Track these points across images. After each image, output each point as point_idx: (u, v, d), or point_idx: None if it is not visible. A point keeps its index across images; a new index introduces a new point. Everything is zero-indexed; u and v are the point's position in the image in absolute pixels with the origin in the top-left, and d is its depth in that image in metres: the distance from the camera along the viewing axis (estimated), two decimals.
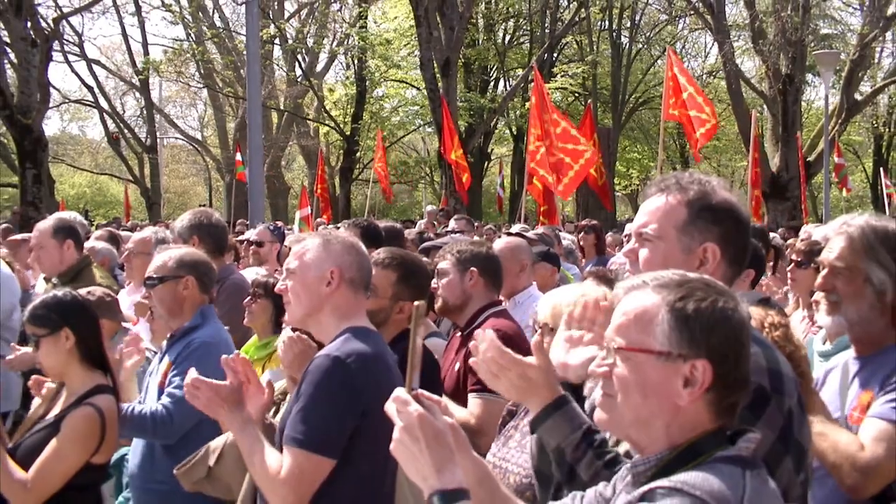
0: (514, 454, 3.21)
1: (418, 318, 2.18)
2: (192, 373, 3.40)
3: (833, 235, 3.23)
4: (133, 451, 4.41)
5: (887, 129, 40.89)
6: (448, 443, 2.08)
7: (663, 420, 2.02)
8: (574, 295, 3.08)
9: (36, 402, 4.35)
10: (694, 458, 1.98)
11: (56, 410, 4.04)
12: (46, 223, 6.80)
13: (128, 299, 6.24)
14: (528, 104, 19.75)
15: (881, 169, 25.57)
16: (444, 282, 4.74)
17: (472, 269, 4.74)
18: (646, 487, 1.93)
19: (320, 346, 3.45)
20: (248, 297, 5.22)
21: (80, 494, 3.96)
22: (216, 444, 3.75)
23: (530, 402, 2.55)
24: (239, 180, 25.02)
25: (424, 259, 5.48)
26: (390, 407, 2.13)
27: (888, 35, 29.33)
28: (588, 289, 3.25)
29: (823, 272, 3.17)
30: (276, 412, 3.85)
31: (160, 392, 4.39)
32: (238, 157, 26.25)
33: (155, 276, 4.52)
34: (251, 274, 6.48)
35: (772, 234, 10.46)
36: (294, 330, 3.71)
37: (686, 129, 14.60)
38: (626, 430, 2.09)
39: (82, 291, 5.22)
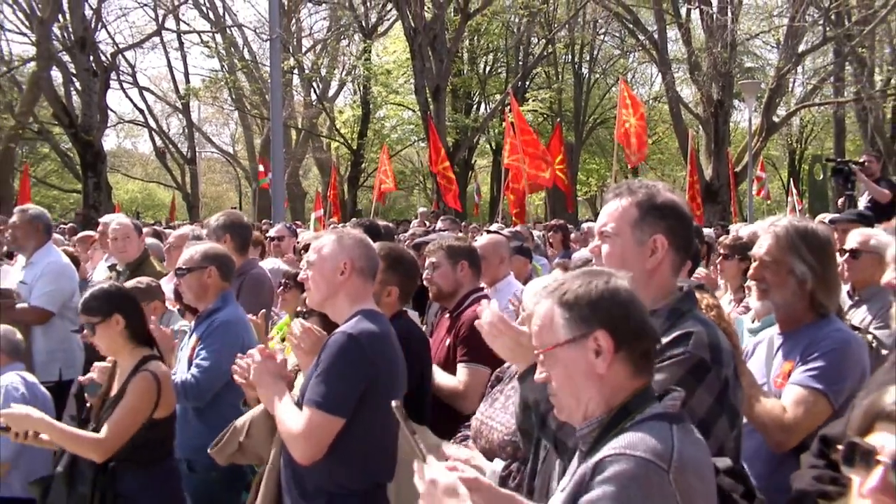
0: (498, 414, 3.22)
1: (401, 415, 2.28)
2: (256, 354, 3.41)
3: (762, 234, 3.23)
4: None
5: (799, 146, 41.14)
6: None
7: (595, 391, 2.04)
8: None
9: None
10: (627, 415, 2.01)
11: (117, 386, 4.02)
12: (126, 221, 6.84)
13: (168, 285, 6.25)
14: (504, 124, 19.78)
15: (791, 180, 25.82)
16: (437, 273, 4.73)
17: (463, 261, 4.74)
18: (596, 458, 1.94)
19: (334, 326, 3.45)
20: (281, 287, 5.23)
21: (152, 448, 3.95)
22: (242, 422, 3.72)
23: (519, 362, 2.56)
24: (262, 188, 25.06)
25: (416, 252, 5.51)
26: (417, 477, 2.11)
27: (799, 68, 29.44)
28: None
29: (755, 264, 3.17)
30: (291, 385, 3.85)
31: (189, 363, 4.40)
32: (261, 168, 26.25)
33: (184, 267, 4.54)
34: (269, 264, 6.53)
35: (706, 231, 10.49)
36: (303, 315, 3.73)
37: (628, 146, 14.85)
38: (576, 414, 2.09)
39: (132, 282, 5.23)
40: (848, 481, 1.55)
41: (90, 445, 3.83)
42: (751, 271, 3.20)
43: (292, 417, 3.22)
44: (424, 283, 4.79)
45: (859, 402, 2.26)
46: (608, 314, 2.03)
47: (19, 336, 5.42)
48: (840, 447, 1.52)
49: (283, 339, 5.01)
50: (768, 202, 33.22)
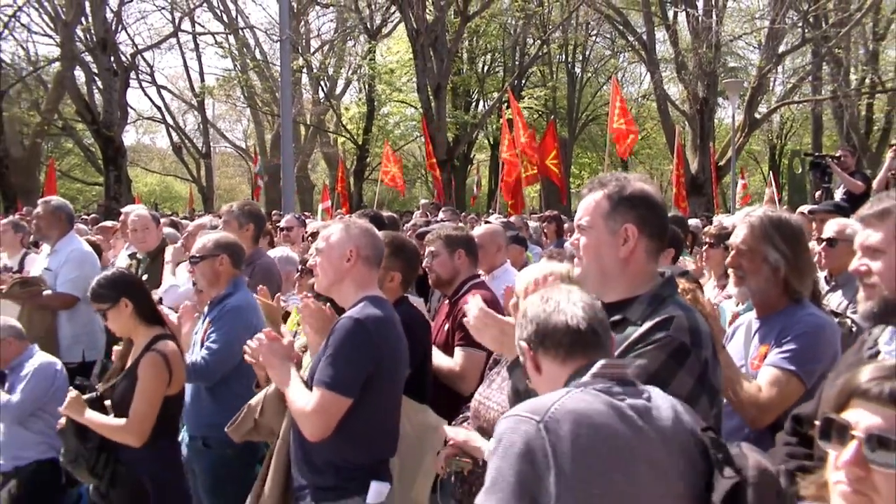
0: (495, 394, 3.21)
1: None
2: (262, 336, 3.43)
3: (739, 224, 3.24)
4: (187, 394, 4.38)
5: (779, 141, 41.06)
6: None
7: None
8: (536, 272, 3.09)
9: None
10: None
11: (131, 360, 4.05)
12: (145, 212, 6.85)
13: (186, 273, 6.27)
14: (501, 120, 19.78)
15: (772, 173, 25.81)
16: (436, 261, 4.71)
17: (460, 249, 4.72)
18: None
19: (341, 311, 3.45)
20: (298, 274, 5.24)
21: (160, 424, 3.96)
22: (256, 401, 3.72)
23: (505, 351, 2.55)
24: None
25: (418, 241, 5.50)
26: None
27: (779, 68, 29.43)
28: (550, 266, 3.25)
29: (732, 253, 3.17)
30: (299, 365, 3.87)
31: (203, 345, 4.40)
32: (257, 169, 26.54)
33: (197, 255, 4.54)
34: (279, 252, 6.54)
35: (692, 222, 10.49)
36: (318, 298, 3.73)
37: (618, 141, 14.86)
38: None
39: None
40: (821, 456, 1.56)
41: (124, 433, 3.87)
42: (728, 259, 3.20)
43: (303, 397, 3.23)
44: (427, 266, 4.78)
45: (830, 382, 2.28)
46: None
47: (17, 324, 5.43)
48: (817, 423, 1.53)
49: (298, 324, 5.02)
50: (750, 195, 33.23)
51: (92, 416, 3.91)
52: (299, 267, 5.33)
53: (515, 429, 1.88)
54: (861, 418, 1.47)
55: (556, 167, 17.71)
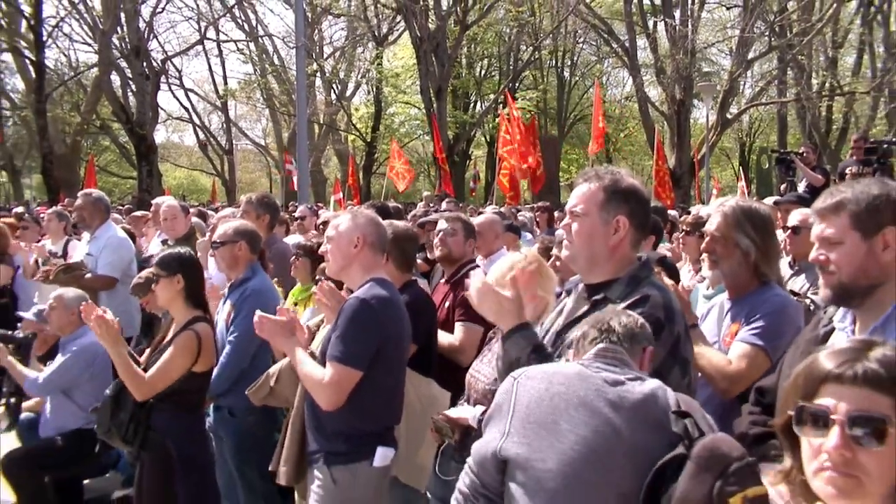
0: (484, 367, 3.21)
1: None
2: (258, 314, 3.41)
3: (713, 213, 3.22)
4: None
5: (748, 139, 41.00)
6: None
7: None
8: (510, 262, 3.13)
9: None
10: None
11: (169, 337, 4.05)
12: (174, 203, 6.83)
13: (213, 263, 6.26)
14: (497, 119, 19.71)
15: (742, 168, 25.78)
16: (453, 239, 4.63)
17: (472, 238, 4.75)
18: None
19: (349, 292, 3.44)
20: (293, 257, 5.22)
21: (187, 396, 3.97)
22: (273, 370, 3.74)
23: (503, 323, 2.53)
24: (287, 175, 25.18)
25: (420, 230, 5.49)
26: None
27: (748, 73, 29.36)
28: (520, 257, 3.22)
29: (707, 239, 3.16)
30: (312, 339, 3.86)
31: (227, 327, 4.36)
32: (289, 167, 26.34)
33: (218, 241, 4.51)
34: (293, 239, 6.53)
35: (670, 212, 10.46)
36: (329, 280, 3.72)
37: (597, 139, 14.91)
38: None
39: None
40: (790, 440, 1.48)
41: (134, 381, 3.82)
42: (703, 245, 3.18)
43: (316, 371, 3.23)
44: (435, 245, 4.72)
45: (789, 359, 2.27)
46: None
47: (89, 301, 5.48)
48: (791, 413, 1.44)
49: (294, 304, 5.01)
50: (722, 187, 33.19)
51: (121, 351, 3.82)
52: (294, 252, 5.28)
53: (504, 384, 2.15)
54: (838, 402, 1.39)
55: (537, 161, 17.68)
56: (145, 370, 3.95)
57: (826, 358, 1.45)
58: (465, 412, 3.04)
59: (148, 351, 4.17)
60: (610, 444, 1.89)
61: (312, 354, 3.38)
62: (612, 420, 1.91)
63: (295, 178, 28.94)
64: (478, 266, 4.79)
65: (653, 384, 2.00)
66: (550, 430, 1.94)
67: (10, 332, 5.51)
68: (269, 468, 3.66)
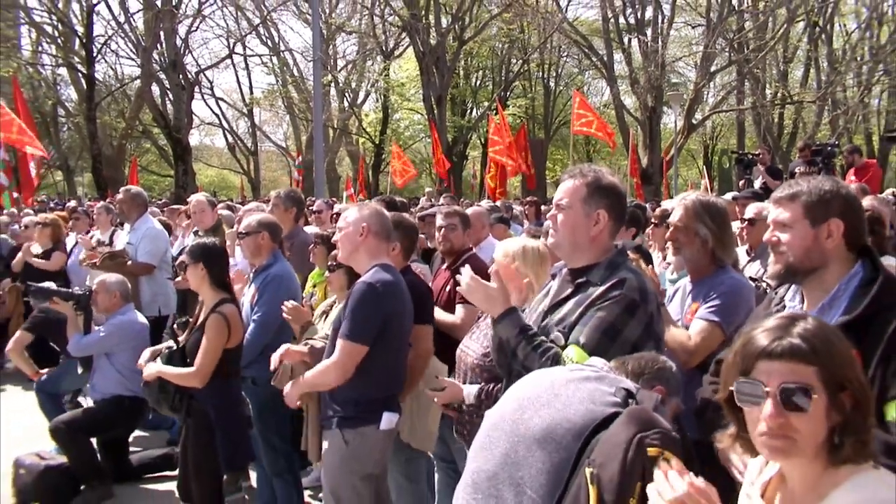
0: (472, 343, 3.20)
1: None
2: (289, 303, 3.49)
3: (676, 206, 3.20)
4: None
5: (711, 142, 40.79)
6: None
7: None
8: (509, 246, 3.13)
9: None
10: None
11: (202, 317, 4.04)
12: (202, 198, 6.79)
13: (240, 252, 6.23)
14: (490, 125, 19.70)
15: (705, 168, 25.75)
16: (454, 234, 4.58)
17: (469, 228, 4.72)
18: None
19: (357, 276, 3.42)
20: (312, 245, 5.20)
21: (222, 366, 3.97)
22: (288, 364, 3.66)
23: (492, 310, 2.51)
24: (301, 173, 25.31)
25: (421, 222, 5.44)
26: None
27: (711, 84, 29.26)
28: (522, 241, 3.23)
29: (671, 229, 3.15)
30: (325, 316, 3.83)
31: (251, 307, 4.33)
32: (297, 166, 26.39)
33: (243, 231, 4.50)
34: (311, 230, 6.49)
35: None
36: (334, 268, 3.70)
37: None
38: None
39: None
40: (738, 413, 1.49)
41: (189, 379, 3.92)
42: (668, 234, 3.17)
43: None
44: (438, 239, 4.66)
45: (744, 334, 2.23)
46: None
47: (128, 284, 5.52)
48: (732, 389, 1.46)
49: (314, 286, 4.99)
50: (695, 185, 33.15)
51: (164, 370, 3.98)
52: (313, 241, 5.27)
53: None
54: (770, 376, 1.41)
55: (525, 160, 17.64)
56: (184, 347, 3.99)
57: (758, 335, 1.46)
58: (466, 389, 3.05)
59: (186, 333, 4.16)
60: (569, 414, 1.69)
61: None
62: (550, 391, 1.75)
63: (297, 176, 29.08)
64: (475, 253, 4.76)
65: (615, 383, 1.77)
66: (514, 406, 1.80)
67: (70, 290, 5.52)
68: (301, 447, 3.63)
